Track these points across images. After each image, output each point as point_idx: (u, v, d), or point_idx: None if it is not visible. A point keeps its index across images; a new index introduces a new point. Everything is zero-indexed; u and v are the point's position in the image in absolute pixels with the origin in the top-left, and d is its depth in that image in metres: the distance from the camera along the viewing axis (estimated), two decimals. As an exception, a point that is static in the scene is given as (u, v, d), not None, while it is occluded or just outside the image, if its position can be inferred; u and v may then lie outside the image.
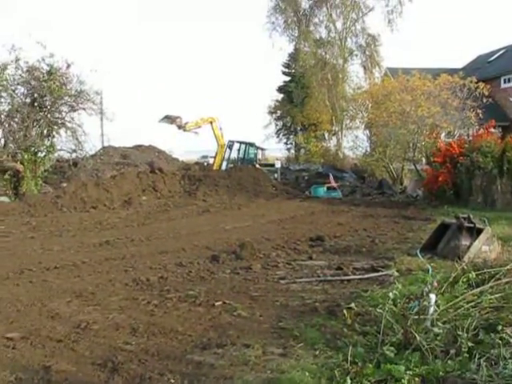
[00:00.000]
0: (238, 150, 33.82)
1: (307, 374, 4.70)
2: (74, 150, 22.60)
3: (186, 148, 52.25)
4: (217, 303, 7.15)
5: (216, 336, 5.94)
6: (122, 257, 10.34)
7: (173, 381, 4.81)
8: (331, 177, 27.09)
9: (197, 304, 7.18)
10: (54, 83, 21.00)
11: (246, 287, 8.06)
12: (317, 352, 5.34)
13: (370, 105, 31.06)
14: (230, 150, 33.01)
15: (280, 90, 46.92)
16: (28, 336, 6.00)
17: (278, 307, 7.03)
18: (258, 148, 35.66)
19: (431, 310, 5.27)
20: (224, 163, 31.66)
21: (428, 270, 6.98)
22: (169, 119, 28.90)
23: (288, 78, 46.38)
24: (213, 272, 9.08)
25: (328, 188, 25.51)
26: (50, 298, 7.57)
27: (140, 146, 30.88)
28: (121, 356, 5.36)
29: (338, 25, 41.53)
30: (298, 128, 45.96)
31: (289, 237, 12.56)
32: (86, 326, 6.28)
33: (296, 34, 44.18)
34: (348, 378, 4.47)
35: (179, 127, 28.96)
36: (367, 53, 41.40)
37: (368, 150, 32.72)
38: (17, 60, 20.88)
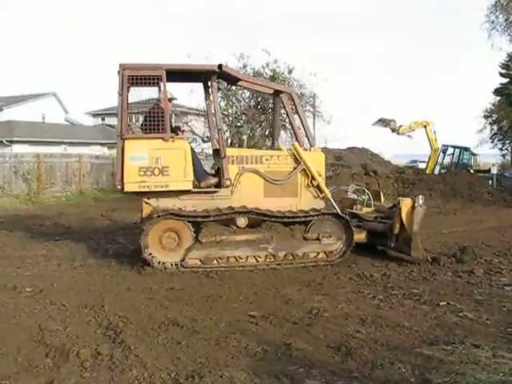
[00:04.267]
0: (452, 154, 32.79)
1: (544, 380, 4.67)
2: (292, 150, 23.65)
3: (395, 152, 51.72)
4: (441, 303, 7.25)
5: (443, 334, 6.06)
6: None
7: (404, 370, 5.05)
8: (554, 185, 25.07)
9: (421, 302, 7.35)
10: (277, 87, 22.22)
11: (469, 290, 8.01)
12: (552, 362, 5.23)
13: None
14: (444, 154, 32.14)
15: (497, 92, 44.14)
16: (267, 316, 6.67)
17: (505, 313, 6.90)
18: (472, 153, 34.24)
19: None
20: (437, 168, 30.92)
21: None
22: (383, 122, 29.00)
23: (506, 80, 43.47)
24: (434, 273, 9.14)
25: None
26: (281, 285, 8.27)
27: (353, 148, 31.37)
28: (353, 342, 5.74)
29: None
30: (516, 132, 42.91)
31: (510, 244, 12.02)
32: (317, 313, 6.79)
33: (518, 33, 41.35)
34: None
35: (393, 130, 28.92)
36: None
37: None
38: (244, 66, 22.59)
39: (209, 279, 8.76)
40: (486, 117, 44.78)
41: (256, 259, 9.55)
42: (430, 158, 31.04)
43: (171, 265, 9.25)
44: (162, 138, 9.28)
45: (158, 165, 9.19)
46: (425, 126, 29.65)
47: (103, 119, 54.93)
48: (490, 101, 44.54)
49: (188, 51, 49.34)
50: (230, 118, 22.69)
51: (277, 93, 10.60)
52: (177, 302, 7.32)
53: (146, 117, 9.62)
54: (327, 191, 10.24)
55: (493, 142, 44.99)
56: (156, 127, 9.35)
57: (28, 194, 22.92)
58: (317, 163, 10.24)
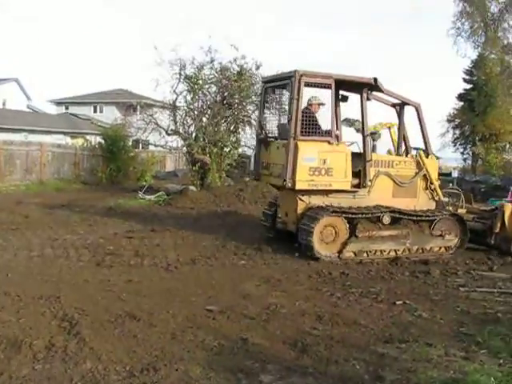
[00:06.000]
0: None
1: (492, 379, 4.77)
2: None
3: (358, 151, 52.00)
4: (397, 302, 7.39)
5: (398, 332, 6.17)
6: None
7: (358, 367, 5.12)
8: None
9: (378, 301, 7.48)
10: (244, 83, 22.15)
11: (425, 290, 8.18)
12: (501, 361, 5.36)
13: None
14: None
15: (460, 97, 44.81)
16: (224, 310, 6.69)
17: (458, 313, 7.08)
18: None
19: None
20: (400, 169, 31.34)
21: None
22: (348, 122, 29.14)
23: (469, 86, 44.23)
24: (392, 273, 9.33)
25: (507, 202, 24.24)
26: (240, 280, 8.29)
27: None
28: (309, 339, 5.80)
29: (531, 30, 39.20)
30: (477, 138, 43.71)
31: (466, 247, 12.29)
32: (275, 309, 6.84)
33: (482, 40, 42.38)
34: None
35: (357, 130, 29.05)
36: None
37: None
38: (212, 61, 22.31)
39: (168, 272, 8.71)
40: (449, 121, 45.47)
41: (396, 252, 10.61)
42: (393, 159, 31.34)
43: (328, 256, 10.07)
44: (328, 142, 10.27)
45: (324, 166, 10.21)
46: (389, 128, 29.87)
47: (67, 108, 54.09)
48: (454, 106, 45.27)
49: (154, 42, 48.81)
50: (196, 112, 22.50)
51: (403, 104, 11.76)
52: (134, 295, 7.26)
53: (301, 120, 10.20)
54: (441, 193, 11.67)
55: (455, 145, 45.73)
56: (319, 131, 10.37)
57: (-15, 181, 22.42)
58: (434, 169, 11.70)
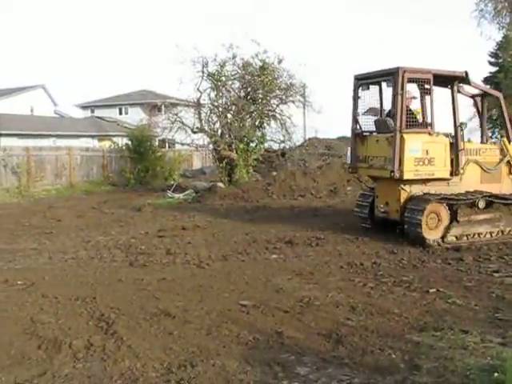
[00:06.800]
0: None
1: (531, 365, 4.72)
2: (283, 141, 23.72)
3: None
4: (431, 290, 7.32)
5: (432, 320, 6.12)
6: (334, 241, 10.94)
7: (394, 356, 5.11)
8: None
9: (411, 289, 7.42)
10: (267, 77, 22.21)
11: (458, 277, 8.09)
12: (539, 345, 5.30)
13: None
14: (434, 142, 32.20)
15: (486, 80, 44.12)
16: (258, 305, 6.72)
17: (493, 299, 6.98)
18: (462, 140, 34.40)
19: None
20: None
21: None
22: (373, 111, 29.00)
23: (495, 69, 43.50)
24: (424, 261, 9.24)
25: None
26: (272, 275, 8.32)
27: (344, 137, 31.39)
28: (343, 330, 5.80)
29: (560, 7, 38.30)
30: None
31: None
32: (308, 301, 6.84)
33: (507, 21, 41.63)
34: None
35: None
36: None
37: None
38: (234, 57, 22.47)
39: (200, 269, 8.80)
40: (476, 105, 44.74)
41: (491, 235, 11.12)
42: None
43: (433, 241, 10.48)
44: (429, 133, 10.79)
45: (427, 156, 10.74)
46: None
47: (93, 111, 54.76)
48: (479, 89, 44.45)
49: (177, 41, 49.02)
50: (220, 109, 22.61)
51: (485, 95, 12.39)
52: (168, 293, 7.36)
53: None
54: None
55: (483, 130, 44.90)
56: (417, 123, 10.92)
57: (18, 187, 22.83)
58: None
